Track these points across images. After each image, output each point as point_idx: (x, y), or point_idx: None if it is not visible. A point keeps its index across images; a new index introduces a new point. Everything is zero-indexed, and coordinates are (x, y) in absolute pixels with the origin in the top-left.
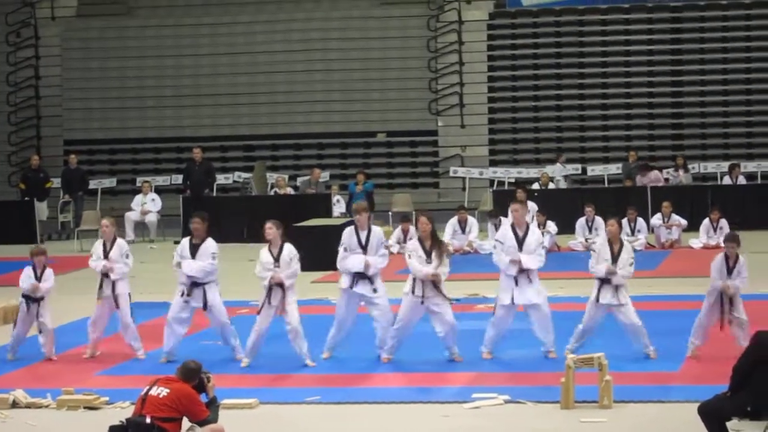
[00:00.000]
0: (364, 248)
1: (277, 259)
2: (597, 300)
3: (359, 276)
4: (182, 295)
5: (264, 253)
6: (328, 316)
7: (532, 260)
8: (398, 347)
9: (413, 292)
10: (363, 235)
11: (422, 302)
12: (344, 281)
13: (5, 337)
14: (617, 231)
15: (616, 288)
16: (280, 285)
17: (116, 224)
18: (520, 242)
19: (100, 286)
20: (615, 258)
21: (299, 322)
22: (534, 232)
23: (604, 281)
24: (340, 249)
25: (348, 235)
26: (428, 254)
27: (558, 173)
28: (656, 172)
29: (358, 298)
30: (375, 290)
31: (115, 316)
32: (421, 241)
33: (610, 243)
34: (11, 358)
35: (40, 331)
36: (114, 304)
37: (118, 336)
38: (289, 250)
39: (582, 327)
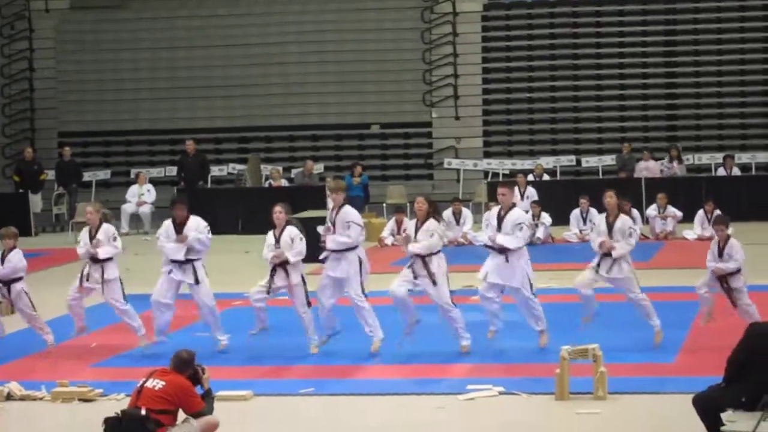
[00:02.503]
0: (334, 225)
1: (278, 241)
2: (596, 271)
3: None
4: (169, 273)
5: (269, 235)
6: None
7: (508, 239)
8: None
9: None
10: (334, 213)
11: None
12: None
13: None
14: (614, 203)
15: (615, 261)
16: (283, 265)
17: (104, 211)
18: (500, 222)
19: (87, 275)
20: (611, 229)
21: (304, 304)
22: (513, 213)
23: (606, 253)
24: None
25: (328, 214)
26: (416, 233)
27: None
28: (653, 162)
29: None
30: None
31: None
32: (416, 222)
33: (607, 217)
34: None
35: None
36: (100, 290)
37: (112, 328)
38: (290, 230)
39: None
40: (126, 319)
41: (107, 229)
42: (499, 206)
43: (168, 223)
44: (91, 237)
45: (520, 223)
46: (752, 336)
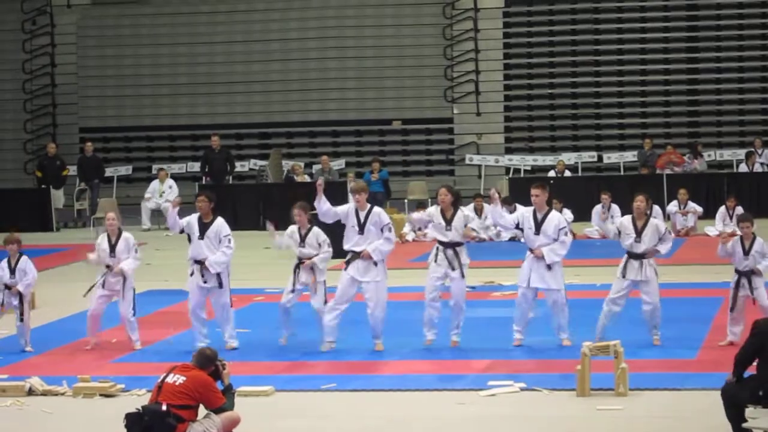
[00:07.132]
0: (361, 227)
1: (303, 239)
2: (623, 276)
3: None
4: (192, 274)
5: (294, 233)
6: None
7: (555, 253)
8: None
9: (435, 260)
10: (362, 215)
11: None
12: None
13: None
14: (644, 207)
15: (642, 264)
16: (310, 266)
17: (122, 217)
18: (538, 225)
19: (104, 282)
20: (639, 233)
21: (323, 302)
22: (553, 216)
23: (632, 256)
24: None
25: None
26: (448, 223)
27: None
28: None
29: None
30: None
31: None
32: (442, 211)
33: (634, 220)
34: (30, 350)
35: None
36: (119, 297)
37: None
38: (317, 233)
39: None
40: (128, 329)
41: (128, 239)
42: (532, 207)
43: (194, 221)
44: (110, 244)
45: (563, 227)
46: (757, 334)
